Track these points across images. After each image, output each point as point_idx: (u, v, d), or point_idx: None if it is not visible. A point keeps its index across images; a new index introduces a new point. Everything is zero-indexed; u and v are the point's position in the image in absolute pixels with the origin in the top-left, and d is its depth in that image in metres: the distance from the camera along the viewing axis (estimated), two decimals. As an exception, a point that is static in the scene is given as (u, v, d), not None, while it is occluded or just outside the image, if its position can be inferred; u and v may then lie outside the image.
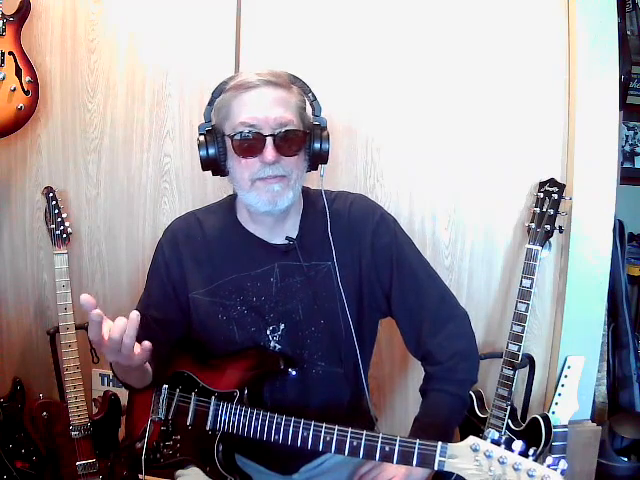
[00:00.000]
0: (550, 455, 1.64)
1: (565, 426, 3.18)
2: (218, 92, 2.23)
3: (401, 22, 3.27)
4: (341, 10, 3.30)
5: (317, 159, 2.26)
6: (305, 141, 2.21)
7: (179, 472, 2.38)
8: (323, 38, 3.31)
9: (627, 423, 3.65)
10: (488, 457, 1.68)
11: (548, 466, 1.61)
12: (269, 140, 2.11)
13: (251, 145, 2.14)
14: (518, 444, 1.66)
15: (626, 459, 3.55)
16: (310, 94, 2.27)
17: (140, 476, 2.37)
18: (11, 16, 3.23)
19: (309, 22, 3.32)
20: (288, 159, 2.15)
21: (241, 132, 2.14)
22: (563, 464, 1.61)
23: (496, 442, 1.70)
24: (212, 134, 2.23)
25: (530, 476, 1.60)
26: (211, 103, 2.26)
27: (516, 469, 1.63)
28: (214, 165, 2.26)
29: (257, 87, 2.14)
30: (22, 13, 3.27)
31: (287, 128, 2.13)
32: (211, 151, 2.22)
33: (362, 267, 2.34)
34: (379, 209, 2.43)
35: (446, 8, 3.25)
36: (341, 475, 2.43)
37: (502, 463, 1.65)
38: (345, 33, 3.30)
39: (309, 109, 2.29)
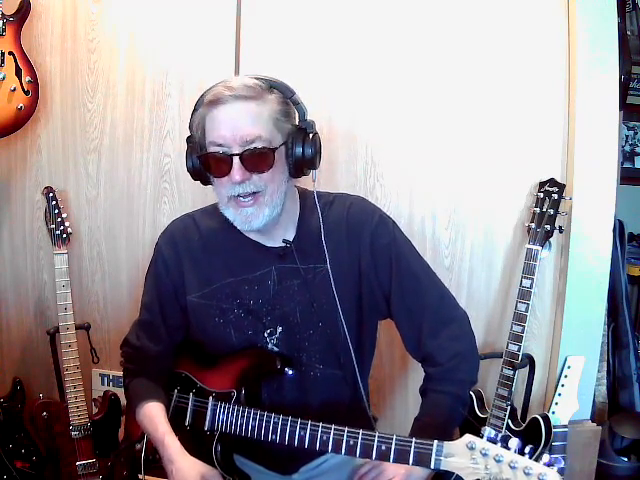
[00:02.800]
0: (547, 453, 1.64)
1: (565, 426, 3.17)
2: (198, 105, 2.21)
3: (401, 22, 3.27)
4: (341, 11, 3.30)
5: (302, 165, 2.22)
6: (275, 156, 2.14)
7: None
8: (323, 38, 3.31)
9: (627, 423, 3.64)
10: (484, 455, 1.67)
11: (545, 464, 1.61)
12: (236, 160, 2.09)
13: (219, 165, 2.13)
14: (514, 442, 1.65)
15: (626, 459, 3.54)
16: (293, 98, 2.22)
17: (140, 476, 2.37)
18: (11, 16, 3.25)
19: (309, 22, 3.32)
20: (260, 175, 2.13)
21: (211, 152, 2.14)
22: (560, 462, 1.61)
23: (492, 440, 1.69)
24: (195, 146, 2.23)
25: (527, 474, 1.60)
26: (192, 115, 2.24)
27: (512, 467, 1.62)
28: (200, 176, 2.27)
29: (227, 103, 2.10)
30: (22, 13, 3.28)
31: (254, 145, 2.09)
32: (196, 164, 2.23)
33: (361, 268, 2.33)
34: (378, 211, 2.42)
35: (446, 9, 3.25)
36: (341, 476, 2.43)
37: (498, 461, 1.65)
38: (345, 33, 3.30)
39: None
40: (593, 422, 3.41)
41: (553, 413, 3.20)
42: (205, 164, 2.17)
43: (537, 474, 1.59)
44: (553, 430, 3.06)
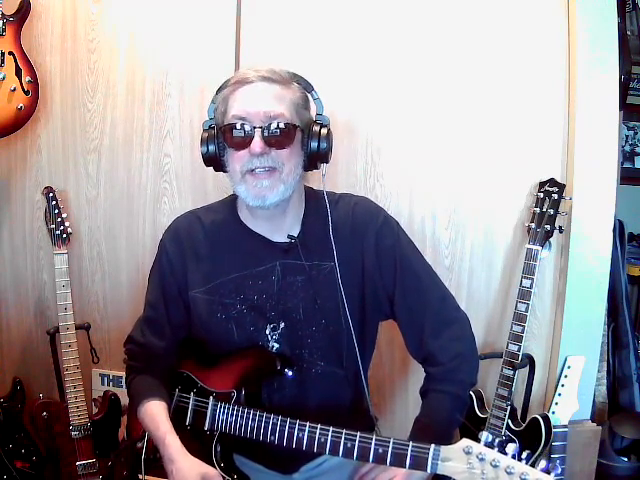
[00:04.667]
0: (543, 459, 1.64)
1: (565, 426, 3.17)
2: (221, 89, 2.26)
3: (401, 22, 3.27)
4: (342, 10, 3.30)
5: (315, 157, 2.26)
6: (295, 135, 2.20)
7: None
8: (323, 38, 3.32)
9: (627, 423, 3.64)
10: (481, 460, 1.67)
11: (541, 470, 1.61)
12: (257, 132, 2.13)
13: (240, 137, 2.16)
14: (512, 447, 1.65)
15: (626, 459, 3.54)
16: (312, 92, 2.29)
17: (140, 476, 2.38)
18: (11, 16, 3.25)
19: (309, 22, 3.32)
20: (278, 152, 2.16)
21: (232, 124, 2.17)
22: (557, 468, 1.61)
23: (489, 445, 1.69)
24: (214, 130, 2.26)
25: (523, 480, 1.60)
26: (214, 100, 2.28)
27: (509, 472, 1.62)
28: (214, 161, 2.28)
29: (252, 82, 2.17)
30: (22, 13, 3.28)
31: (277, 121, 2.14)
32: (211, 147, 2.25)
33: (365, 268, 2.34)
34: (382, 211, 2.44)
35: (446, 8, 3.25)
36: (342, 475, 2.43)
37: (495, 466, 1.65)
38: (346, 33, 3.30)
39: (314, 108, 2.31)
40: (593, 422, 3.41)
41: (553, 413, 3.19)
42: (225, 136, 2.20)
43: (533, 480, 1.60)
44: (553, 430, 3.06)
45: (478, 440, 1.73)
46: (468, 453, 1.70)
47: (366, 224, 2.36)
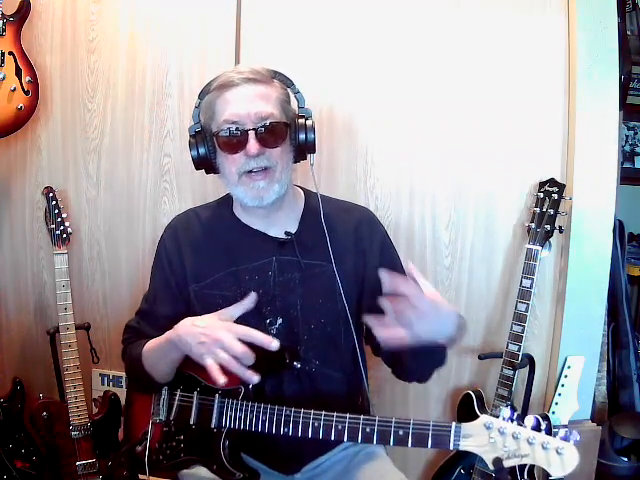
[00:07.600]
0: (563, 428, 1.67)
1: (565, 426, 3.17)
2: (204, 94, 2.31)
3: (402, 22, 3.29)
4: (342, 9, 3.31)
5: (303, 149, 2.33)
6: (286, 132, 2.28)
7: (183, 472, 2.37)
8: (324, 38, 3.33)
9: (627, 423, 3.65)
10: (502, 434, 1.71)
11: (561, 438, 1.70)
12: (251, 134, 2.19)
13: (235, 141, 2.21)
14: (530, 419, 1.72)
15: (626, 459, 3.55)
16: (292, 87, 2.34)
17: (145, 477, 2.36)
18: (11, 16, 3.25)
19: (310, 22, 3.33)
20: (272, 151, 2.23)
21: (225, 129, 2.22)
22: (575, 435, 1.70)
23: (509, 419, 1.74)
24: (201, 134, 2.31)
25: (544, 448, 1.67)
26: (198, 105, 2.33)
27: (530, 443, 1.68)
28: (205, 164, 2.33)
29: (238, 85, 2.22)
30: (22, 13, 3.28)
31: (268, 121, 2.21)
32: (201, 151, 2.30)
33: (366, 269, 2.38)
34: (384, 228, 2.54)
35: (446, 9, 3.27)
36: (340, 471, 2.45)
37: (516, 438, 1.70)
38: (346, 33, 3.31)
39: (294, 103, 2.37)
40: (593, 422, 3.42)
41: (553, 413, 3.21)
42: (218, 141, 2.25)
43: (554, 447, 1.68)
44: (553, 430, 3.06)
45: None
46: (489, 428, 1.73)
47: (369, 229, 2.43)
